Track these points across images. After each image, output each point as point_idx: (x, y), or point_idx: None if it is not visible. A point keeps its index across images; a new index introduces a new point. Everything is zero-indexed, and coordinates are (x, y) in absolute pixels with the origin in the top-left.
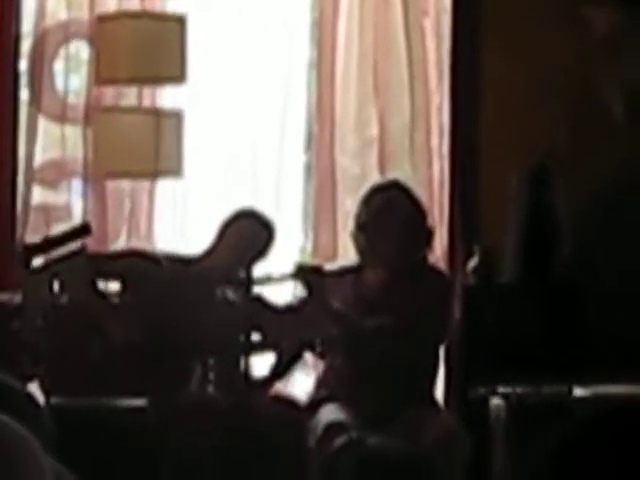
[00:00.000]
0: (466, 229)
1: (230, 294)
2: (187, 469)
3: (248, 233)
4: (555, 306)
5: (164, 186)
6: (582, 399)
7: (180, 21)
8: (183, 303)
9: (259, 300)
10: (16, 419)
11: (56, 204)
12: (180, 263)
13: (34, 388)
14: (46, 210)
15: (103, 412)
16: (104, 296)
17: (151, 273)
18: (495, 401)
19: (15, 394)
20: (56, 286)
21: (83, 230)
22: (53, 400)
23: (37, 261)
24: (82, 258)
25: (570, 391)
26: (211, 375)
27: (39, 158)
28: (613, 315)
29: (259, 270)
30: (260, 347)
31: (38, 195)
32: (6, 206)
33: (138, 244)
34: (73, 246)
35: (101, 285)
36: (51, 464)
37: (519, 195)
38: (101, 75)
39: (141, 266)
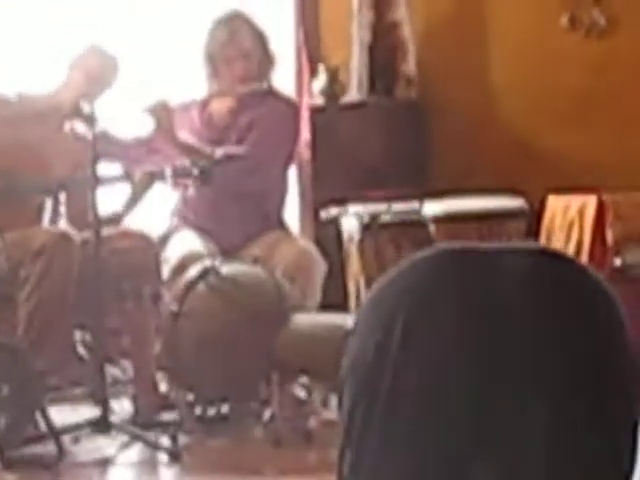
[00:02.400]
0: (311, 49)
1: (79, 128)
2: (43, 303)
3: (96, 67)
4: (402, 122)
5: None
6: (433, 215)
7: None
8: (33, 139)
9: (108, 135)
10: None
11: None
12: (29, 100)
13: None
14: None
15: None
16: None
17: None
18: (347, 220)
19: None
20: None
21: None
22: None
23: None
24: None
25: (419, 208)
26: (62, 210)
27: None
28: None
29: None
30: (110, 180)
31: None
32: None
33: None
34: None
35: None
36: None
37: (360, 14)
38: None
39: None
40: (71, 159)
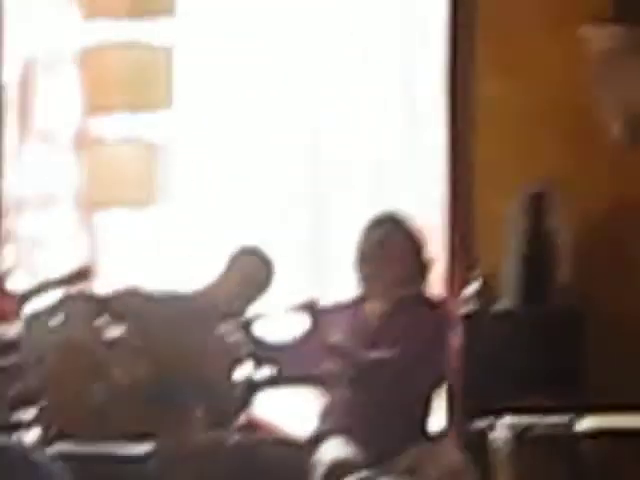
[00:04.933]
0: (464, 255)
1: (230, 331)
2: None
3: (250, 270)
4: (555, 333)
5: (155, 217)
6: (585, 430)
7: (168, 51)
8: (183, 341)
9: (259, 337)
10: None
11: (43, 233)
12: (180, 300)
13: (33, 435)
14: (33, 239)
15: (105, 460)
16: (104, 337)
17: (151, 312)
18: (497, 432)
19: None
20: (57, 328)
21: (84, 273)
22: (55, 447)
23: (35, 303)
24: (82, 298)
25: (573, 421)
26: (212, 415)
27: (26, 188)
28: (612, 343)
29: (258, 306)
30: (262, 384)
31: (25, 224)
32: None
33: (132, 279)
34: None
35: (101, 325)
36: None
37: (516, 221)
38: (91, 104)
39: (141, 305)
40: (222, 362)
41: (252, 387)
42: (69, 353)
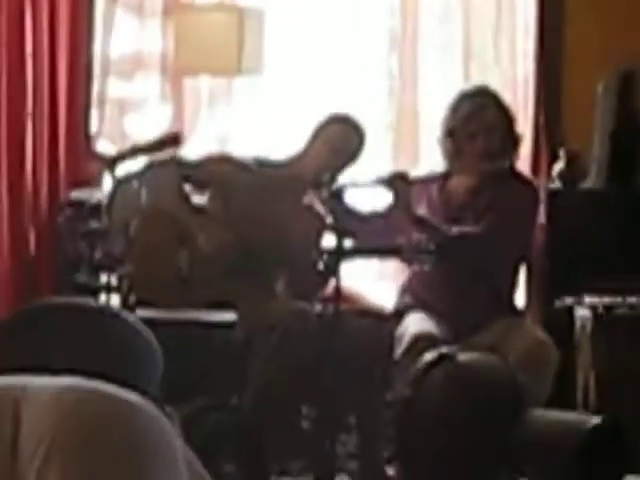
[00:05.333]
0: (551, 132)
1: (316, 201)
2: (278, 379)
3: (341, 138)
4: None
5: (244, 86)
6: None
7: None
8: (268, 210)
9: (346, 207)
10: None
11: (132, 97)
12: (269, 168)
13: (116, 300)
14: (121, 103)
15: (190, 326)
16: (192, 203)
17: (237, 179)
18: (580, 311)
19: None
20: (144, 194)
21: (173, 139)
22: (138, 313)
23: (125, 168)
24: (171, 164)
25: None
26: (296, 285)
27: (115, 51)
28: None
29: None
30: (346, 254)
31: (113, 88)
32: (81, 98)
33: (219, 146)
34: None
35: (189, 192)
36: (182, 447)
37: (605, 99)
38: None
39: (228, 172)
40: (307, 233)
41: (336, 257)
42: (155, 219)
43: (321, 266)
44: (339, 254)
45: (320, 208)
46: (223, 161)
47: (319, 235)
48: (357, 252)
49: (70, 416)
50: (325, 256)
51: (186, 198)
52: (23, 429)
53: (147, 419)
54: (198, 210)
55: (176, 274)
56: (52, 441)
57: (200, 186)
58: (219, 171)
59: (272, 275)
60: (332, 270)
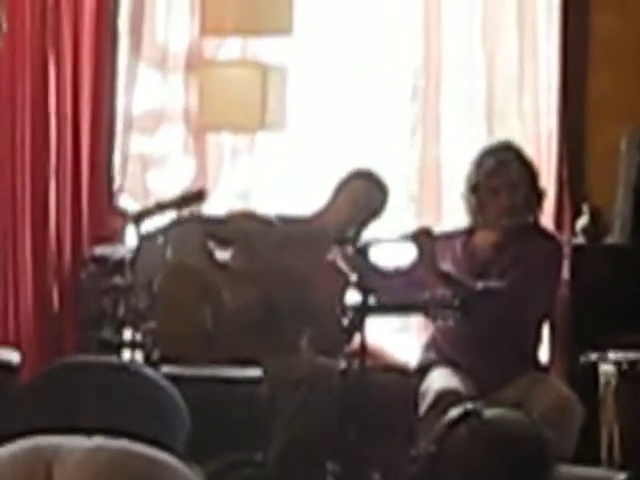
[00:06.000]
0: (574, 187)
1: (341, 256)
2: (302, 435)
3: (364, 194)
4: None
5: (267, 141)
6: None
7: None
8: (292, 266)
9: (371, 263)
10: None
11: (154, 153)
12: (292, 224)
13: (140, 356)
14: (144, 159)
15: (215, 382)
16: (216, 260)
17: (261, 235)
18: (605, 367)
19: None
20: (168, 250)
21: (198, 196)
22: (163, 370)
23: (149, 225)
24: (195, 221)
25: None
26: (321, 341)
27: (138, 106)
28: None
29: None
30: (371, 311)
31: (136, 144)
32: (104, 154)
33: (242, 203)
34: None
35: (213, 248)
36: None
37: (628, 154)
38: (205, 25)
39: (252, 228)
40: (330, 289)
41: (362, 314)
42: (179, 275)
43: (345, 322)
44: (364, 310)
45: (343, 265)
46: (246, 218)
47: (343, 291)
48: (382, 308)
49: (102, 475)
50: (350, 312)
51: (210, 254)
52: None
53: (176, 477)
54: (222, 266)
55: (200, 330)
56: None
57: (224, 242)
58: (243, 228)
59: (296, 331)
60: (357, 326)
